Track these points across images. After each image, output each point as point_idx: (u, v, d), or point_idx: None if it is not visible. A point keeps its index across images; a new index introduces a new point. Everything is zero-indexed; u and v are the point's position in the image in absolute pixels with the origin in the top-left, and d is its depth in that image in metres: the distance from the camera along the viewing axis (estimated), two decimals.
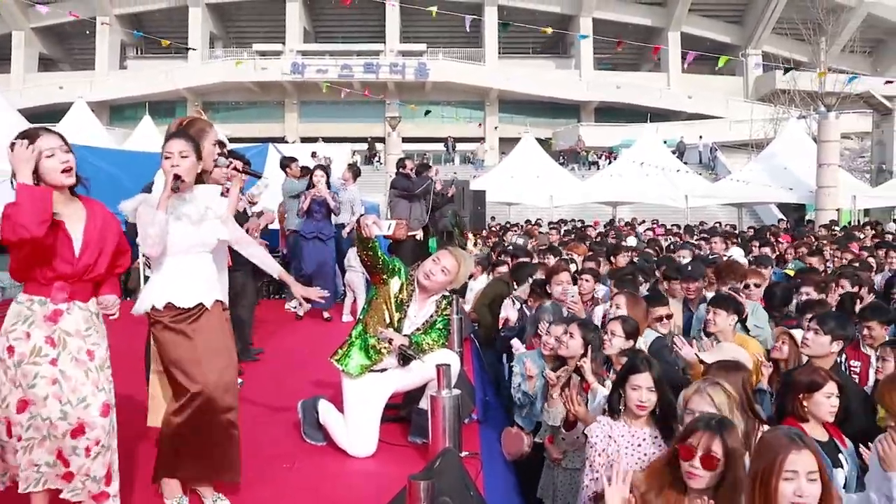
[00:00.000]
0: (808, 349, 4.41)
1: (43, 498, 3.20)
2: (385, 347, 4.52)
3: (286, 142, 40.52)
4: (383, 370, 4.56)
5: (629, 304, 5.24)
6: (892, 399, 3.46)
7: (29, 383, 3.11)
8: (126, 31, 47.42)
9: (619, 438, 3.60)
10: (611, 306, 5.38)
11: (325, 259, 9.04)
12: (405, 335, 4.54)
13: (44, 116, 29.90)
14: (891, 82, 28.85)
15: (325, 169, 9.20)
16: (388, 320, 4.56)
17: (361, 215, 4.61)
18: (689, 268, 7.05)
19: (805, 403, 3.65)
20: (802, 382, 3.70)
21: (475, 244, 12.79)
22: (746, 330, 5.52)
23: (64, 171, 3.17)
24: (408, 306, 4.61)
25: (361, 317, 4.69)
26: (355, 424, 4.48)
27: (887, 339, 4.98)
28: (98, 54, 50.91)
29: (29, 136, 3.13)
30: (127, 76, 51.45)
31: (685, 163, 30.90)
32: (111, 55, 51.56)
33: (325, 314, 9.22)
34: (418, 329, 4.63)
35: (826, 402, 3.61)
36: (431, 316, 4.66)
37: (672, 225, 20.18)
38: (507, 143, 40.48)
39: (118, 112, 49.65)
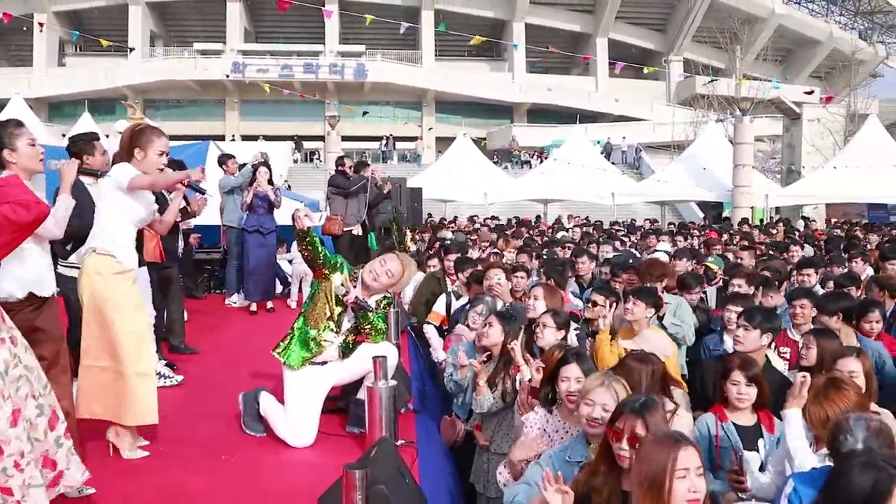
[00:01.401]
0: (742, 346, 4.43)
1: None
2: (325, 340, 4.49)
3: (233, 139, 39.95)
4: (324, 363, 4.52)
5: (547, 295, 5.24)
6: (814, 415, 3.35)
7: (16, 388, 2.96)
8: (64, 28, 45.98)
9: (552, 433, 3.65)
10: (529, 297, 5.38)
11: (267, 252, 9.03)
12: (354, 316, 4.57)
13: None
14: (810, 92, 29.91)
15: (268, 166, 9.10)
16: (328, 314, 4.52)
17: (297, 209, 4.52)
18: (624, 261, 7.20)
19: (724, 389, 3.76)
20: (721, 369, 3.82)
21: (412, 240, 12.76)
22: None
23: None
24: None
25: (303, 310, 4.64)
26: (296, 415, 4.43)
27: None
28: (36, 51, 49.34)
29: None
30: (66, 73, 49.96)
31: (612, 163, 31.40)
32: (49, 52, 50.06)
33: (269, 305, 9.14)
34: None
35: (732, 388, 3.70)
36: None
37: (596, 221, 20.46)
38: (444, 143, 40.53)
39: (57, 109, 48.16)
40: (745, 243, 11.44)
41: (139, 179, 4.11)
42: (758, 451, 3.61)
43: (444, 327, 6.62)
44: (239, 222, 9.04)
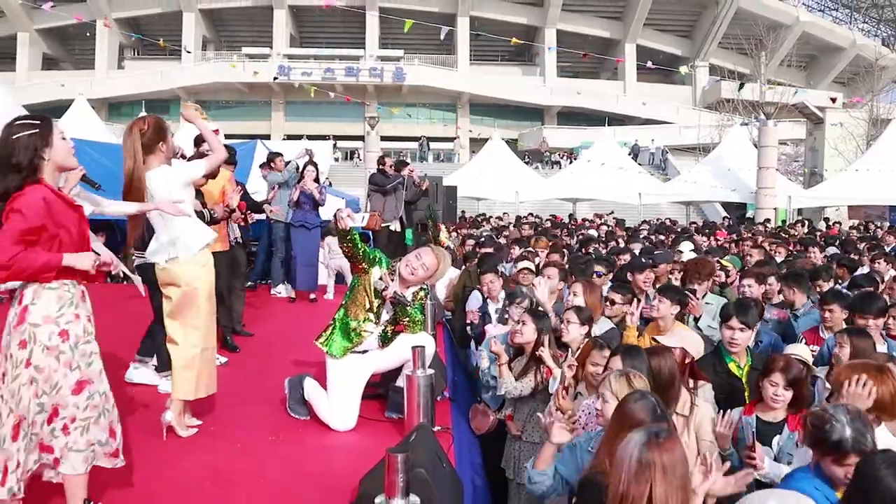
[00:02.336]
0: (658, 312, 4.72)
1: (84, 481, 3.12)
2: (365, 331, 4.51)
3: (283, 139, 40.35)
4: (364, 351, 4.54)
5: (586, 291, 5.20)
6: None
7: (87, 362, 3.05)
8: (124, 33, 46.71)
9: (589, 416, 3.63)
10: (569, 294, 5.34)
11: (311, 246, 9.12)
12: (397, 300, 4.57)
13: (46, 112, 29.27)
14: (834, 99, 29.42)
15: (315, 164, 9.15)
16: (367, 306, 4.54)
17: (339, 209, 4.54)
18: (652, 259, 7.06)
19: (760, 386, 3.68)
20: (764, 367, 3.73)
21: (447, 236, 12.76)
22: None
23: (75, 153, 3.19)
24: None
25: (344, 302, 4.66)
26: (338, 401, 4.46)
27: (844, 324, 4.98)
28: (98, 55, 50.23)
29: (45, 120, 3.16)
30: (124, 76, 50.74)
31: (639, 164, 31.10)
32: (110, 56, 50.88)
33: (311, 296, 9.22)
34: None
35: (770, 388, 3.60)
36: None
37: (619, 219, 20.30)
38: (477, 143, 40.47)
39: (116, 109, 48.93)
40: (750, 243, 11.27)
41: (210, 163, 4.36)
42: (771, 446, 3.56)
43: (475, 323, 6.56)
44: (285, 217, 9.10)
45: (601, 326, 5.09)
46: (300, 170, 8.96)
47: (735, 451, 3.46)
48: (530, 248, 8.64)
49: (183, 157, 6.00)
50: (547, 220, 19.71)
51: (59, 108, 27.30)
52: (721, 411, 3.55)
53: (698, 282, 6.00)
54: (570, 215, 24.74)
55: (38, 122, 3.11)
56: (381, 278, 4.55)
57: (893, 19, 53.43)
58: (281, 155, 9.54)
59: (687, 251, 9.53)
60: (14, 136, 3.03)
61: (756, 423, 3.66)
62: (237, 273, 7.05)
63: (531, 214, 22.54)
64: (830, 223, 21.35)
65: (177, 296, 4.18)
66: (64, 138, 3.14)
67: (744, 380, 4.29)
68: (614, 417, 2.83)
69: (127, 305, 6.56)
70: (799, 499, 2.41)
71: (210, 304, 4.28)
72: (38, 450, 3.02)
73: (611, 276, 6.93)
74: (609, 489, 2.34)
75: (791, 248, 10.87)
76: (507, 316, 5.60)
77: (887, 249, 10.45)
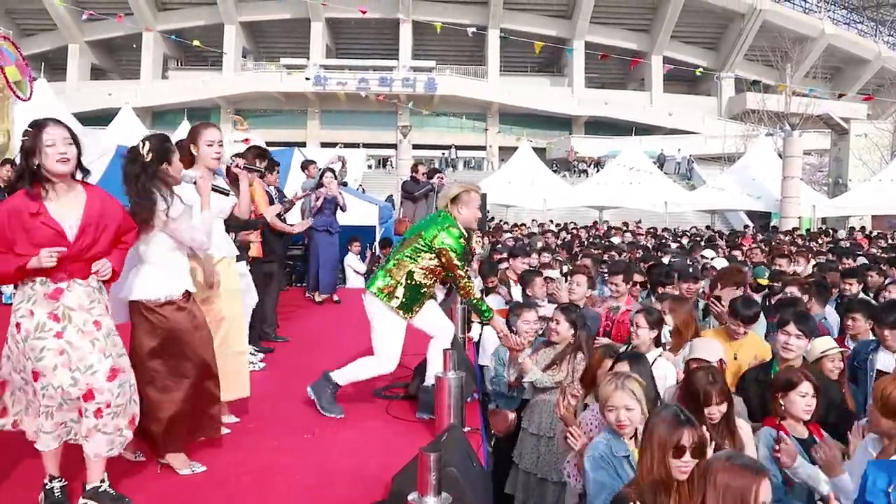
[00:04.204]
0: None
1: (57, 454, 3.22)
2: (433, 296, 4.64)
3: (325, 147, 40.73)
4: None
5: (674, 309, 5.03)
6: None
7: (37, 356, 3.11)
8: (168, 43, 47.45)
9: (592, 420, 3.61)
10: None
11: (333, 250, 9.20)
12: None
13: (95, 120, 29.96)
14: (868, 98, 28.83)
15: (333, 171, 9.16)
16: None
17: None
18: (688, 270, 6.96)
19: (782, 402, 3.53)
20: (780, 381, 3.58)
21: (479, 242, 12.76)
22: None
23: (60, 160, 3.09)
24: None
25: (411, 267, 4.50)
26: (387, 346, 4.51)
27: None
28: (143, 65, 51.03)
29: (38, 126, 3.15)
30: (168, 85, 51.51)
31: (665, 173, 30.89)
32: (154, 66, 51.65)
33: (335, 297, 9.29)
34: None
35: (801, 400, 3.47)
36: None
37: (650, 228, 20.14)
38: (506, 152, 40.43)
39: (160, 117, 49.63)
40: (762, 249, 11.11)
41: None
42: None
43: None
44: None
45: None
46: (319, 177, 8.92)
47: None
48: (559, 257, 8.61)
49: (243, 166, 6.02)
50: (572, 227, 19.63)
51: (107, 116, 27.81)
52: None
53: (727, 289, 5.89)
54: (595, 222, 24.61)
55: (30, 128, 3.14)
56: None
57: None
58: (314, 162, 9.62)
59: (710, 258, 9.45)
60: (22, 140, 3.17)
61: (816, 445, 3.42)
62: (272, 281, 7.08)
63: (549, 222, 22.41)
64: (855, 233, 21.01)
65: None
66: (52, 144, 3.09)
67: None
68: (646, 435, 2.74)
69: None
70: None
71: (231, 310, 4.33)
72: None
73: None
74: None
75: (810, 257, 10.68)
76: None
77: None
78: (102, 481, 3.22)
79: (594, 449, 3.16)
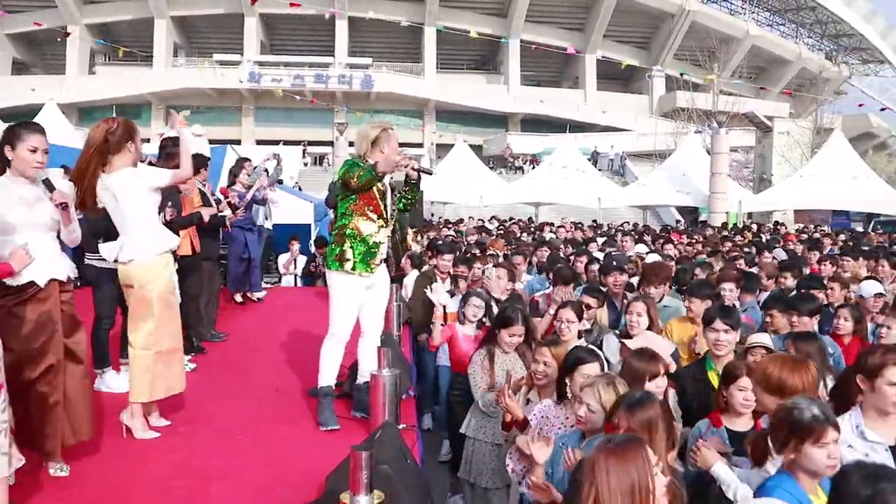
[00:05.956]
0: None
1: None
2: (381, 242, 4.44)
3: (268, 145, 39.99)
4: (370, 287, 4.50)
5: (650, 310, 4.99)
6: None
7: None
8: (96, 37, 45.98)
9: (553, 420, 3.63)
10: (632, 314, 5.01)
11: (259, 247, 8.96)
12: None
13: (17, 116, 28.75)
14: (788, 92, 29.83)
15: (267, 170, 8.98)
16: (377, 214, 4.42)
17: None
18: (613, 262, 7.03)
19: (724, 394, 3.56)
20: (726, 374, 3.60)
21: (413, 239, 12.74)
22: None
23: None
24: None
25: (343, 223, 4.40)
26: (343, 314, 4.42)
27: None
28: (68, 60, 49.29)
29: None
30: (96, 81, 49.84)
31: (598, 169, 31.40)
32: (81, 61, 49.98)
33: (257, 296, 9.00)
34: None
35: (739, 394, 3.47)
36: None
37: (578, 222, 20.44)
38: (443, 149, 40.52)
39: (87, 114, 47.99)
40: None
41: (176, 177, 4.23)
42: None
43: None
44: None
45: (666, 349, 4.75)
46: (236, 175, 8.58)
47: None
48: (493, 251, 8.68)
49: (151, 163, 5.91)
50: (513, 223, 19.80)
51: (31, 112, 26.71)
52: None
53: (655, 285, 5.98)
54: (530, 218, 24.89)
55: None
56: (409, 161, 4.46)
57: (835, 35, 54.77)
58: (249, 160, 9.42)
59: (644, 252, 9.64)
60: None
61: (727, 434, 3.48)
62: (214, 278, 6.97)
63: (487, 219, 22.55)
64: (780, 225, 21.77)
65: (131, 298, 4.13)
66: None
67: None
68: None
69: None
70: None
71: (165, 307, 4.15)
72: None
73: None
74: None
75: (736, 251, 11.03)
76: (463, 314, 5.65)
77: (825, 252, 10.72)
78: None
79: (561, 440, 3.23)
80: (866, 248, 11.66)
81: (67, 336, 3.55)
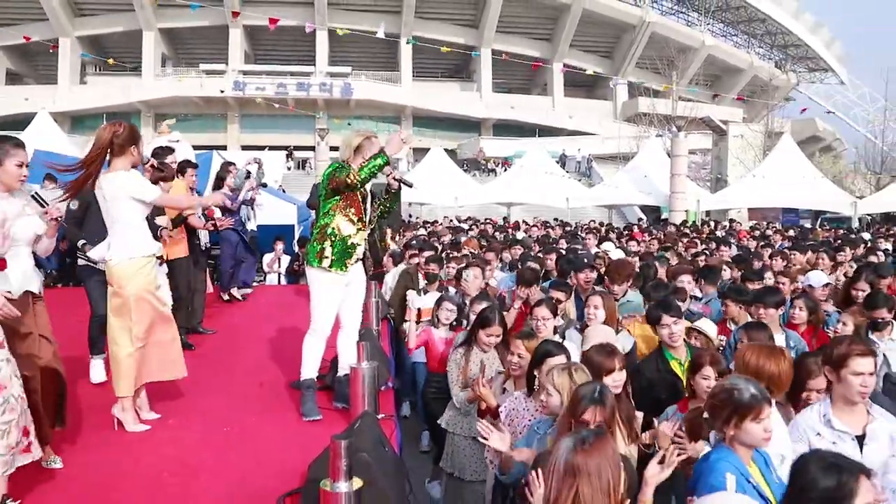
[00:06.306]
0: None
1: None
2: (359, 244, 4.39)
3: (239, 150, 39.54)
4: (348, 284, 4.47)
5: (605, 304, 5.02)
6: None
7: None
8: (86, 48, 45.28)
9: (523, 412, 3.63)
10: (589, 307, 5.05)
11: (244, 247, 8.82)
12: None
13: (11, 125, 28.31)
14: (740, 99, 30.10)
15: (250, 173, 8.89)
16: (357, 217, 4.39)
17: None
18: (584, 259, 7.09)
19: (692, 383, 3.61)
20: (692, 364, 3.64)
21: (392, 238, 12.72)
22: None
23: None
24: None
25: (325, 223, 4.36)
26: (324, 312, 4.40)
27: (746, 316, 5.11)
28: (60, 70, 48.40)
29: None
30: (87, 90, 49.07)
31: (566, 171, 31.53)
32: (73, 71, 49.10)
33: (238, 295, 8.90)
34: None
35: (703, 382, 3.52)
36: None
37: (545, 221, 20.51)
38: (419, 153, 40.43)
39: (79, 122, 47.26)
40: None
41: (164, 203, 4.26)
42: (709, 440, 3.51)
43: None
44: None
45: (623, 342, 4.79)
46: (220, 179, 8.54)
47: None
48: (470, 250, 8.69)
49: (152, 166, 5.88)
50: (486, 222, 19.82)
51: (24, 121, 26.24)
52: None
53: (619, 282, 6.01)
54: (505, 219, 24.95)
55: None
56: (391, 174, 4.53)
57: (784, 45, 55.56)
58: (234, 164, 9.34)
59: (612, 250, 9.68)
60: None
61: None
62: (198, 276, 6.91)
63: (461, 219, 22.56)
64: (734, 223, 22.01)
65: (111, 297, 4.10)
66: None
67: (684, 378, 4.06)
68: (566, 410, 2.80)
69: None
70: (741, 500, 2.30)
71: (142, 305, 4.07)
72: None
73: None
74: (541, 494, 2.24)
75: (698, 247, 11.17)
76: (437, 318, 5.65)
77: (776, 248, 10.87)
78: (5, 496, 3.01)
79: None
80: (813, 243, 11.86)
81: (42, 337, 3.49)
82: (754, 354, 3.33)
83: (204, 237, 6.92)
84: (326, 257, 4.32)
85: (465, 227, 17.97)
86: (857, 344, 3.20)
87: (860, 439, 3.06)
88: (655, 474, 2.61)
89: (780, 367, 3.28)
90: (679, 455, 2.73)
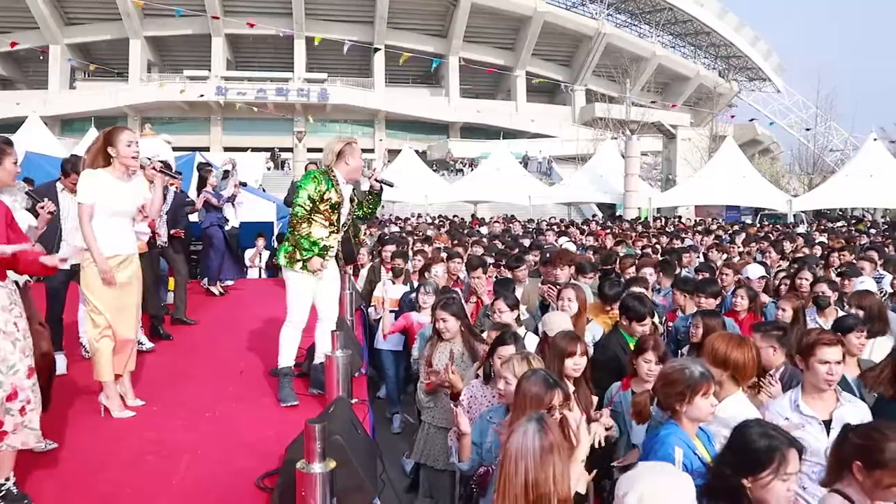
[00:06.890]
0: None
1: None
2: (332, 246, 4.34)
3: (222, 151, 38.99)
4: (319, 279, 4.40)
5: (578, 296, 4.89)
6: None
7: (30, 353, 2.95)
8: (75, 55, 44.30)
9: (481, 398, 3.60)
10: (563, 299, 4.93)
11: (221, 244, 8.61)
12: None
13: (2, 128, 27.53)
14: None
15: (228, 172, 8.79)
16: (328, 223, 4.35)
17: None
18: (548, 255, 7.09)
19: (634, 363, 3.63)
20: (637, 346, 3.68)
21: (365, 234, 12.67)
22: None
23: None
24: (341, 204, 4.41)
25: (297, 227, 4.28)
26: (299, 307, 4.36)
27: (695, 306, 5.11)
28: (50, 76, 47.30)
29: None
30: (76, 95, 47.98)
31: (529, 171, 31.66)
32: (62, 77, 47.96)
33: (214, 289, 8.73)
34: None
35: (644, 365, 3.55)
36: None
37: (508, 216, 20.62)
38: (392, 154, 40.28)
39: (68, 125, 46.18)
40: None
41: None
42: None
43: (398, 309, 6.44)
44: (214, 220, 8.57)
45: (593, 332, 4.76)
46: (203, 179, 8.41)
47: (616, 425, 3.47)
48: (439, 244, 8.67)
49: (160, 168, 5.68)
50: (454, 217, 19.82)
51: (15, 124, 25.64)
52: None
53: (560, 267, 6.08)
54: (472, 215, 24.99)
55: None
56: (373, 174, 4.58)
57: (727, 56, 56.48)
58: (211, 164, 9.22)
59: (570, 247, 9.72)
60: None
61: (632, 396, 3.54)
62: (156, 270, 6.73)
63: (441, 216, 22.56)
64: (682, 220, 22.31)
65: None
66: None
67: None
68: (516, 395, 2.76)
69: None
70: (680, 477, 2.25)
71: (103, 298, 3.97)
72: None
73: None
74: (503, 479, 2.14)
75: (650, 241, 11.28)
76: (418, 303, 5.64)
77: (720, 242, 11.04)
78: (7, 479, 2.93)
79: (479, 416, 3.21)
80: (750, 236, 12.08)
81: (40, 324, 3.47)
82: (723, 343, 3.32)
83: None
84: (297, 260, 4.29)
85: (437, 223, 17.97)
86: (825, 333, 3.22)
87: (827, 424, 3.05)
88: (588, 437, 2.62)
89: (746, 357, 3.27)
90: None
